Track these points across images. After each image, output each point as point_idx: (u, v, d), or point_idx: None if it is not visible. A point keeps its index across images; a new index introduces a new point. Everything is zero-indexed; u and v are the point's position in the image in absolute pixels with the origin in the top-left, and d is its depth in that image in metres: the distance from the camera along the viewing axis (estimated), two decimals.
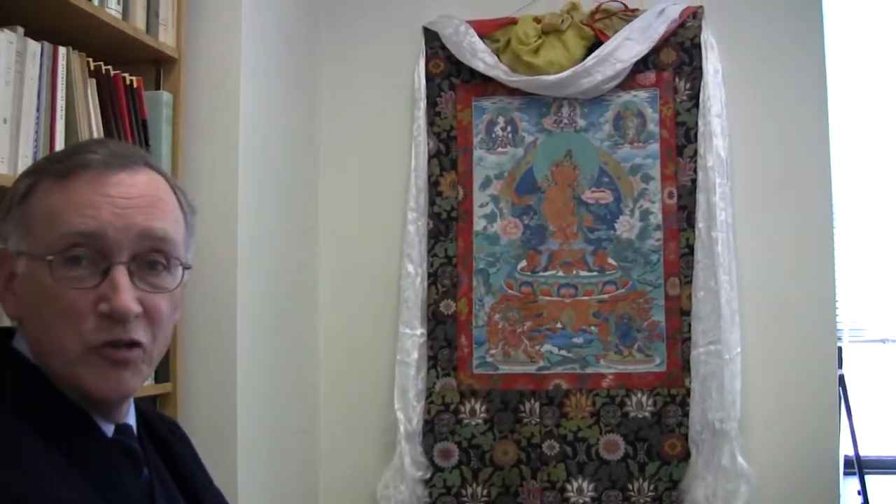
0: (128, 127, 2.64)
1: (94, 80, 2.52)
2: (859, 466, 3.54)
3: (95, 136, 2.48)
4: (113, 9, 2.61)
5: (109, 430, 1.38)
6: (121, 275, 1.31)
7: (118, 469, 1.34)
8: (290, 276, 3.61)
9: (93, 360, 1.31)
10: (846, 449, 3.59)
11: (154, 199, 1.37)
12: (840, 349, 3.61)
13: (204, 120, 3.04)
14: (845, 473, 3.58)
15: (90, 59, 2.52)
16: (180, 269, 1.39)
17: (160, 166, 1.45)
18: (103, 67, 2.58)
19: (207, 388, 3.03)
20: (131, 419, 1.42)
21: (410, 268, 3.69)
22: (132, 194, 1.34)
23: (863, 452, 3.61)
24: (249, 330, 3.13)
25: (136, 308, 1.31)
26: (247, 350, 3.11)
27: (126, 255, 1.33)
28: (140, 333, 1.33)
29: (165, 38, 2.89)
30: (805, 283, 3.55)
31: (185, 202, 1.44)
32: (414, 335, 3.68)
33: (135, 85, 2.71)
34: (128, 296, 1.31)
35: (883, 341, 3.73)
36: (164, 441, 1.51)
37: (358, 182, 3.87)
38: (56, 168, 1.36)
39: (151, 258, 1.36)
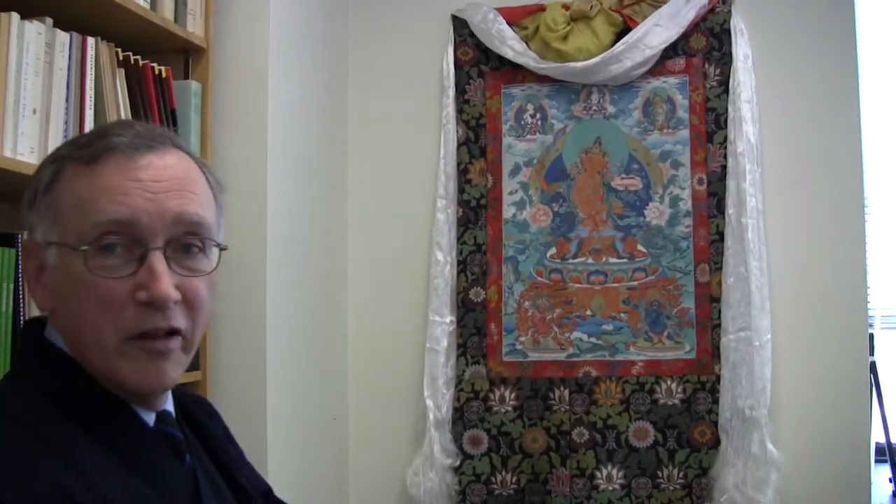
0: (157, 116, 2.65)
1: (122, 70, 2.53)
2: (891, 454, 3.54)
3: None
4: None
5: (150, 418, 1.36)
6: (158, 261, 1.29)
7: (163, 458, 1.33)
8: (319, 264, 3.60)
9: (132, 351, 1.29)
10: (877, 436, 3.58)
11: (185, 182, 1.34)
12: (871, 336, 3.58)
13: (232, 109, 3.05)
14: (876, 461, 3.57)
15: (119, 50, 2.53)
16: (215, 250, 1.37)
17: (187, 145, 1.43)
18: (132, 57, 2.59)
19: (237, 377, 3.03)
20: (169, 405, 1.41)
21: (440, 255, 3.69)
22: (163, 177, 1.32)
23: (894, 440, 3.58)
24: (279, 319, 3.13)
25: (175, 294, 1.29)
26: (276, 339, 3.11)
27: (161, 240, 1.30)
28: (180, 320, 1.31)
29: (194, 28, 2.89)
30: (836, 270, 3.52)
31: (213, 181, 1.42)
32: (443, 323, 3.68)
33: (163, 75, 2.71)
34: (167, 281, 1.28)
35: None
36: (198, 422, 1.50)
37: (387, 170, 3.87)
38: (82, 153, 1.32)
39: (187, 241, 1.33)
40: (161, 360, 1.30)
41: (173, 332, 1.30)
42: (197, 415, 1.51)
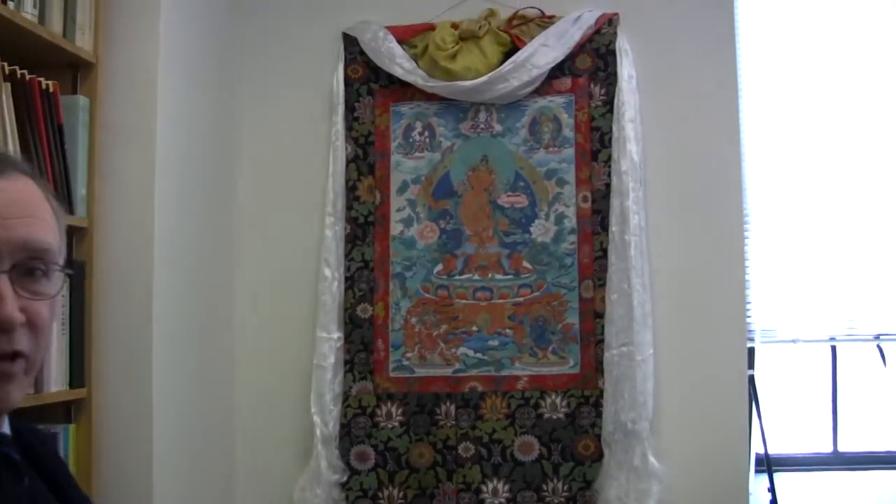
0: (44, 132, 2.69)
1: (8, 85, 2.55)
2: (769, 465, 3.68)
3: (11, 141, 2.53)
4: (29, 13, 2.66)
5: None
6: (4, 284, 1.31)
7: (1, 480, 1.36)
8: (207, 280, 3.66)
9: None
10: (757, 447, 3.75)
11: (32, 208, 1.37)
12: (751, 350, 3.79)
13: (121, 125, 3.11)
14: (756, 471, 3.74)
15: (5, 64, 2.57)
16: (58, 274, 1.40)
17: (34, 171, 1.46)
18: (18, 72, 2.63)
19: (123, 394, 3.08)
20: (6, 428, 1.43)
21: (328, 272, 3.78)
22: (12, 203, 1.34)
23: (773, 451, 3.74)
24: (166, 334, 3.18)
25: (20, 317, 1.32)
26: (163, 354, 3.16)
27: (7, 264, 1.32)
28: (24, 343, 1.34)
29: (83, 43, 2.96)
30: (717, 286, 3.71)
31: (56, 206, 1.44)
32: (331, 339, 3.77)
33: (51, 89, 2.75)
34: (12, 305, 1.31)
35: (794, 342, 3.90)
36: (32, 447, 1.51)
37: (277, 186, 3.96)
38: None
39: (31, 265, 1.36)
40: (5, 382, 1.34)
41: (17, 355, 1.33)
42: (30, 439, 1.52)
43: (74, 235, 2.98)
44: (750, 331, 3.82)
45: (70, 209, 2.88)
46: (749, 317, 3.81)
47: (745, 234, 3.81)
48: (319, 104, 3.92)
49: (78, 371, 2.92)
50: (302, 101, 3.95)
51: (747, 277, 3.79)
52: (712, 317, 3.71)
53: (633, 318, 3.60)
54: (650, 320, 3.65)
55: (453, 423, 3.72)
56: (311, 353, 3.79)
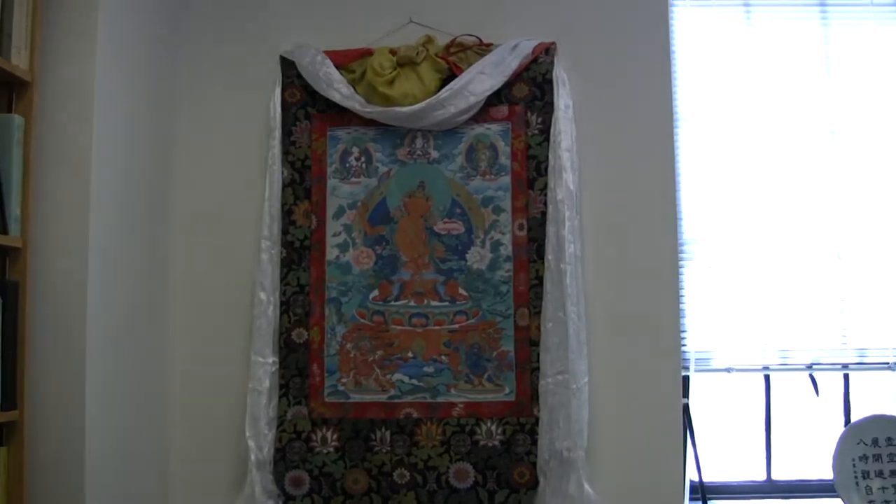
0: None
1: None
2: (703, 492, 3.79)
3: None
4: None
5: None
6: None
7: None
8: (142, 303, 3.63)
9: None
10: (691, 475, 3.83)
11: None
12: (686, 378, 3.89)
13: (56, 144, 3.10)
14: (690, 499, 3.82)
15: None
16: None
17: None
18: None
19: (56, 416, 3.07)
20: None
21: (263, 296, 3.78)
22: None
23: (707, 478, 3.84)
24: (99, 357, 3.18)
25: None
26: (96, 377, 3.16)
27: None
28: None
29: (18, 61, 2.96)
30: (652, 314, 3.80)
31: None
32: (266, 363, 3.78)
33: None
34: None
35: (728, 370, 3.98)
36: None
37: (213, 210, 3.95)
38: None
39: None
40: None
41: None
42: None
43: (8, 255, 2.97)
44: (685, 359, 3.89)
45: (4, 229, 2.89)
46: (684, 345, 3.89)
47: (681, 262, 3.88)
48: (257, 127, 3.93)
49: (10, 393, 2.90)
50: (240, 124, 3.97)
51: (682, 306, 3.87)
52: (648, 345, 3.78)
53: (568, 346, 3.63)
54: (585, 349, 3.69)
55: (388, 449, 3.73)
56: (246, 377, 3.79)
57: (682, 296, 3.87)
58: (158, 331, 3.81)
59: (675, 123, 3.91)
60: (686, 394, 3.86)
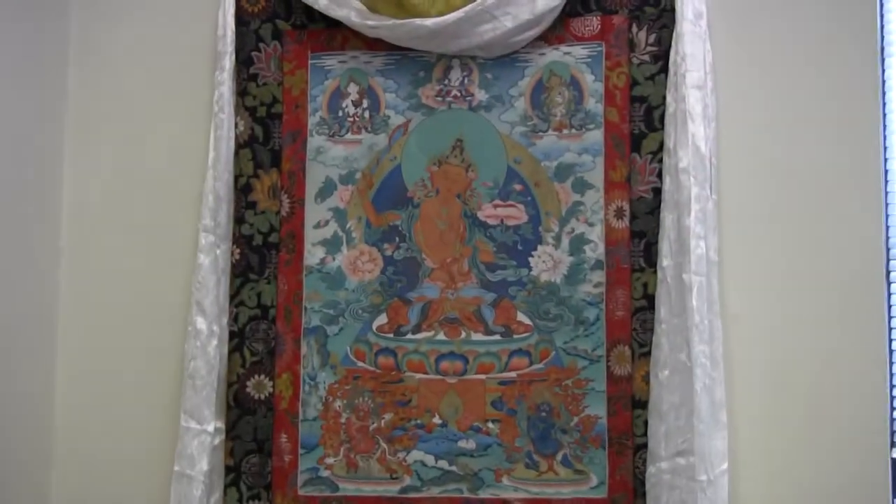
0: None
1: None
2: None
3: None
4: None
5: None
6: None
7: None
8: (19, 326, 3.57)
9: None
10: None
11: None
12: None
13: None
14: None
15: None
16: None
17: None
18: None
19: None
20: None
21: (201, 323, 3.50)
22: None
23: None
24: None
25: None
26: None
27: None
28: None
29: None
30: (845, 360, 3.37)
31: None
32: (203, 432, 3.48)
33: None
34: None
35: None
36: None
37: (122, 184, 3.74)
38: None
39: None
40: None
41: None
42: None
43: None
44: None
45: None
46: None
47: (891, 279, 3.46)
48: (195, 53, 3.70)
49: None
50: (168, 49, 3.75)
51: (890, 346, 3.42)
52: (833, 411, 3.36)
53: (695, 410, 3.23)
54: (723, 415, 3.29)
55: None
56: (170, 454, 3.49)
57: (891, 336, 3.41)
58: (40, 377, 3.69)
59: (885, 54, 3.49)
60: None
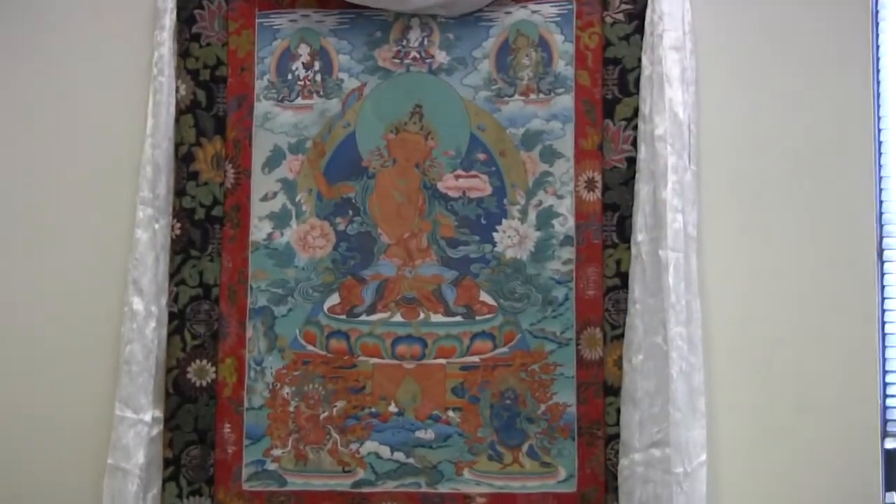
0: None
1: None
2: None
3: None
4: None
5: None
6: None
7: None
8: None
9: None
10: None
11: None
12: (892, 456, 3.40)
13: None
14: None
15: None
16: None
17: None
18: None
19: None
20: None
21: (138, 304, 3.42)
22: None
23: None
24: None
25: None
26: None
27: None
28: None
29: None
30: (834, 343, 3.31)
31: None
32: (140, 422, 3.39)
33: None
34: None
35: None
36: None
37: (52, 154, 3.63)
38: None
39: None
40: None
41: None
42: None
43: None
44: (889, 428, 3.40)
45: None
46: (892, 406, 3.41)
47: (885, 257, 3.40)
48: (132, 11, 3.59)
49: None
50: (102, 4, 3.64)
51: (882, 334, 3.36)
52: (820, 400, 3.28)
53: (671, 396, 3.19)
54: (702, 402, 3.23)
55: None
56: (104, 446, 3.40)
57: (884, 318, 3.37)
58: None
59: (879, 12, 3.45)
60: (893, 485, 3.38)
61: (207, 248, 3.48)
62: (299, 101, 3.53)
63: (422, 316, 3.43)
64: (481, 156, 3.44)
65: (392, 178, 3.49)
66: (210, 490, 3.44)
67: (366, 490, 3.41)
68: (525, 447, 3.35)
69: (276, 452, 3.43)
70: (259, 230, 3.49)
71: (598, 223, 3.36)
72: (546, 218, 3.39)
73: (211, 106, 3.52)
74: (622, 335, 3.30)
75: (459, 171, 3.45)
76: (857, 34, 3.43)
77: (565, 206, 3.37)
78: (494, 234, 3.41)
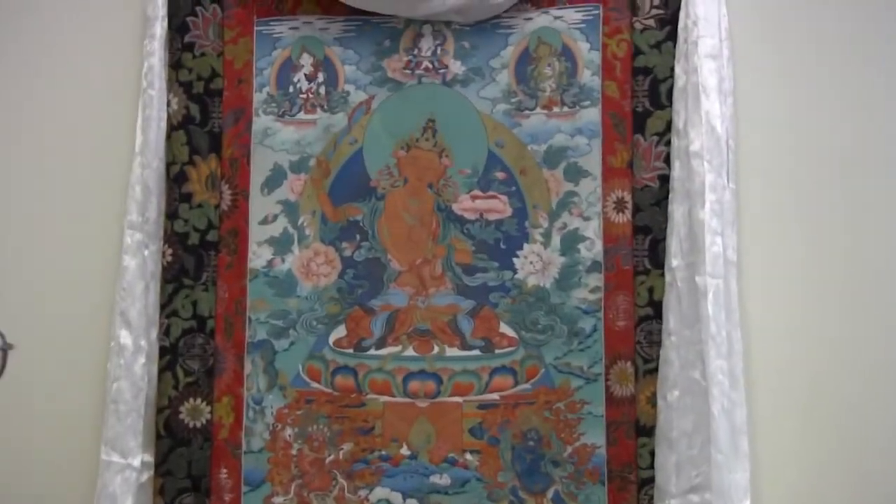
0: None
1: None
2: None
3: None
4: None
5: None
6: None
7: None
8: None
9: None
10: None
11: None
12: None
13: None
14: None
15: None
16: None
17: None
18: None
19: None
20: None
21: (126, 337, 3.27)
22: None
23: None
24: None
25: None
26: None
27: None
28: None
29: None
30: (888, 379, 3.15)
31: None
32: (128, 467, 3.25)
33: None
34: None
35: None
36: None
37: (34, 173, 3.53)
38: None
39: None
40: None
41: None
42: None
43: None
44: None
45: None
46: None
47: None
48: (120, 20, 3.49)
49: None
50: (88, 12, 3.54)
51: None
52: (883, 446, 3.13)
53: (710, 437, 3.04)
54: (745, 442, 3.05)
55: None
56: (88, 492, 3.26)
57: None
58: None
59: None
60: None
61: (202, 277, 3.35)
62: (301, 115, 3.40)
63: (436, 350, 3.29)
64: (500, 174, 3.31)
65: (403, 200, 3.36)
66: None
67: None
68: (550, 493, 3.20)
69: (278, 500, 3.29)
70: (258, 256, 3.36)
71: (629, 247, 3.22)
72: (571, 242, 3.25)
73: (205, 121, 3.39)
74: (656, 370, 3.16)
75: (476, 192, 3.31)
76: None
77: (592, 229, 3.23)
78: (515, 259, 3.28)
